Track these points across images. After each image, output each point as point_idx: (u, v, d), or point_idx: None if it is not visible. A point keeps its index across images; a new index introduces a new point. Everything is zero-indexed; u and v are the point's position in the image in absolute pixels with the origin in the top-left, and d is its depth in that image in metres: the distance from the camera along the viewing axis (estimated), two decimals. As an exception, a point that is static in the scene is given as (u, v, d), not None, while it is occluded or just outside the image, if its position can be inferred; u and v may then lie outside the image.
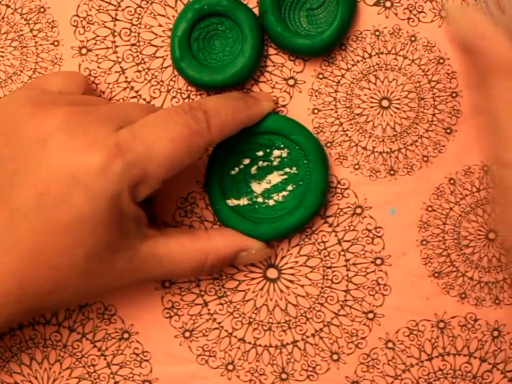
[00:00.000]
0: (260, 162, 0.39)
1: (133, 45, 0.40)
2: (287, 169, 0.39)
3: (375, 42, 0.39)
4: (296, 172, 0.39)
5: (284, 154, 0.39)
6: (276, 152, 0.38)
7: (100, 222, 0.31)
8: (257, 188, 0.39)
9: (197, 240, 0.36)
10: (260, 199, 0.39)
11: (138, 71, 0.40)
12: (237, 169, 0.39)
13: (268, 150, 0.38)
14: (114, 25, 0.40)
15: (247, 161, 0.39)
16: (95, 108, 0.34)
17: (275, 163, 0.39)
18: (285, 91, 0.40)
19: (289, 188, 0.39)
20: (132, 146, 0.32)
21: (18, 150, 0.32)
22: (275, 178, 0.39)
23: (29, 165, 0.32)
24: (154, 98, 0.40)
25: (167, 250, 0.35)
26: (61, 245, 0.31)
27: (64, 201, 0.31)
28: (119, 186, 0.32)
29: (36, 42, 0.40)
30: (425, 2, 0.39)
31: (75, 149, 0.31)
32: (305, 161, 0.38)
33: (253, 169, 0.39)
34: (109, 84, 0.40)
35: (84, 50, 0.40)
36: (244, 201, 0.39)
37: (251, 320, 0.40)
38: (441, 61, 0.39)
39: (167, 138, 0.33)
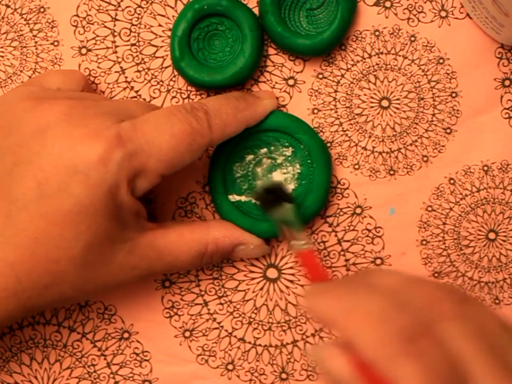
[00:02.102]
0: (264, 160, 0.39)
1: (132, 45, 0.40)
2: (290, 168, 0.39)
3: (374, 42, 0.39)
4: (299, 171, 0.39)
5: (288, 153, 0.38)
6: (281, 150, 0.38)
7: (99, 211, 0.31)
8: (260, 184, 0.39)
9: (195, 231, 0.36)
10: (262, 196, 0.39)
11: (138, 71, 0.40)
12: (240, 165, 0.39)
13: (273, 148, 0.38)
14: (114, 25, 0.40)
15: (250, 157, 0.39)
16: (96, 103, 0.34)
17: (279, 161, 0.39)
18: (284, 91, 0.40)
19: (292, 186, 0.39)
20: (133, 138, 0.32)
21: (18, 141, 0.32)
22: (278, 176, 0.39)
23: (29, 156, 0.32)
24: (154, 98, 0.40)
25: (166, 242, 0.35)
26: (60, 236, 0.31)
27: (64, 190, 0.31)
28: (118, 176, 0.31)
29: (35, 42, 0.40)
30: (425, 2, 0.39)
31: (75, 139, 0.31)
32: (309, 161, 0.38)
33: (257, 166, 0.39)
34: (109, 83, 0.40)
35: (83, 50, 0.40)
36: (245, 197, 0.39)
37: (251, 320, 0.40)
38: (441, 61, 0.39)
39: (168, 133, 0.33)
